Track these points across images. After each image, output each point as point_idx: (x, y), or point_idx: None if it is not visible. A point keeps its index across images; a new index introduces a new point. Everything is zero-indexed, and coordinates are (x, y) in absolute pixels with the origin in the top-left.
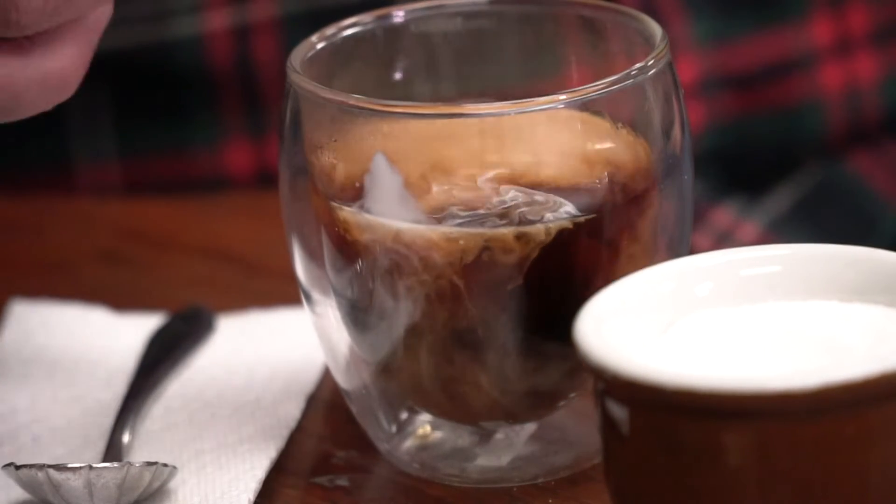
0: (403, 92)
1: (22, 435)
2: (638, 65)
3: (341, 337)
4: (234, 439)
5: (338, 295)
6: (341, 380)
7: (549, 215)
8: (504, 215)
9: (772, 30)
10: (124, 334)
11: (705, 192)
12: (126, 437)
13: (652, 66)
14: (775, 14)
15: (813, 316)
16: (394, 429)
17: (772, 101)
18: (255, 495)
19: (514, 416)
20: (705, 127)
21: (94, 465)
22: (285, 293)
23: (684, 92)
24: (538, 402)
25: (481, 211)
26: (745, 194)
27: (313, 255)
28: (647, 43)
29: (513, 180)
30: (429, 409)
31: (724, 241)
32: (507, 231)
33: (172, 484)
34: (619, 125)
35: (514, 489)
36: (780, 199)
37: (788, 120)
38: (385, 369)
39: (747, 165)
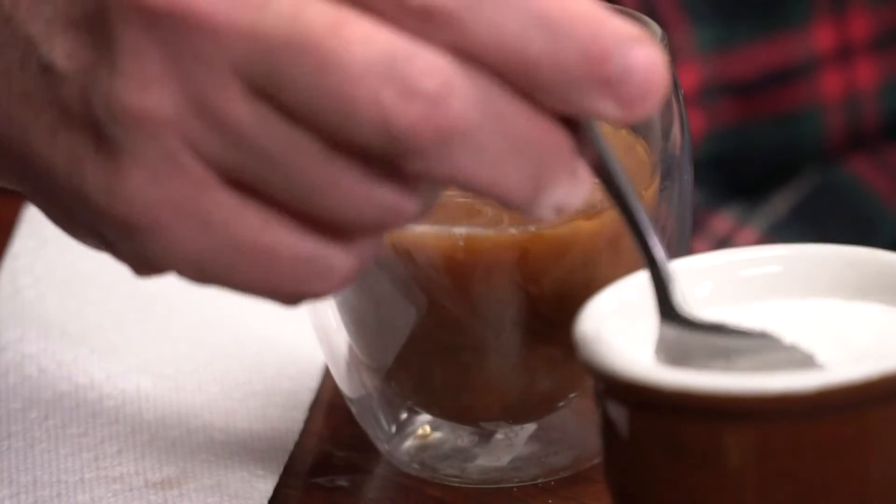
0: None
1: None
2: None
3: (341, 338)
4: (245, 436)
5: (338, 296)
6: (341, 381)
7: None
8: (504, 216)
9: (773, 37)
10: None
11: (705, 199)
12: None
13: None
14: (777, 21)
15: (813, 316)
16: (394, 429)
17: (772, 107)
18: None
19: (514, 416)
20: (705, 134)
21: None
22: None
23: (685, 99)
24: (538, 402)
25: (481, 212)
26: (745, 201)
27: None
28: None
29: None
30: (429, 410)
31: (723, 247)
32: (508, 231)
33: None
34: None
35: (514, 489)
36: (779, 204)
37: (788, 126)
38: (385, 370)
39: (747, 172)
